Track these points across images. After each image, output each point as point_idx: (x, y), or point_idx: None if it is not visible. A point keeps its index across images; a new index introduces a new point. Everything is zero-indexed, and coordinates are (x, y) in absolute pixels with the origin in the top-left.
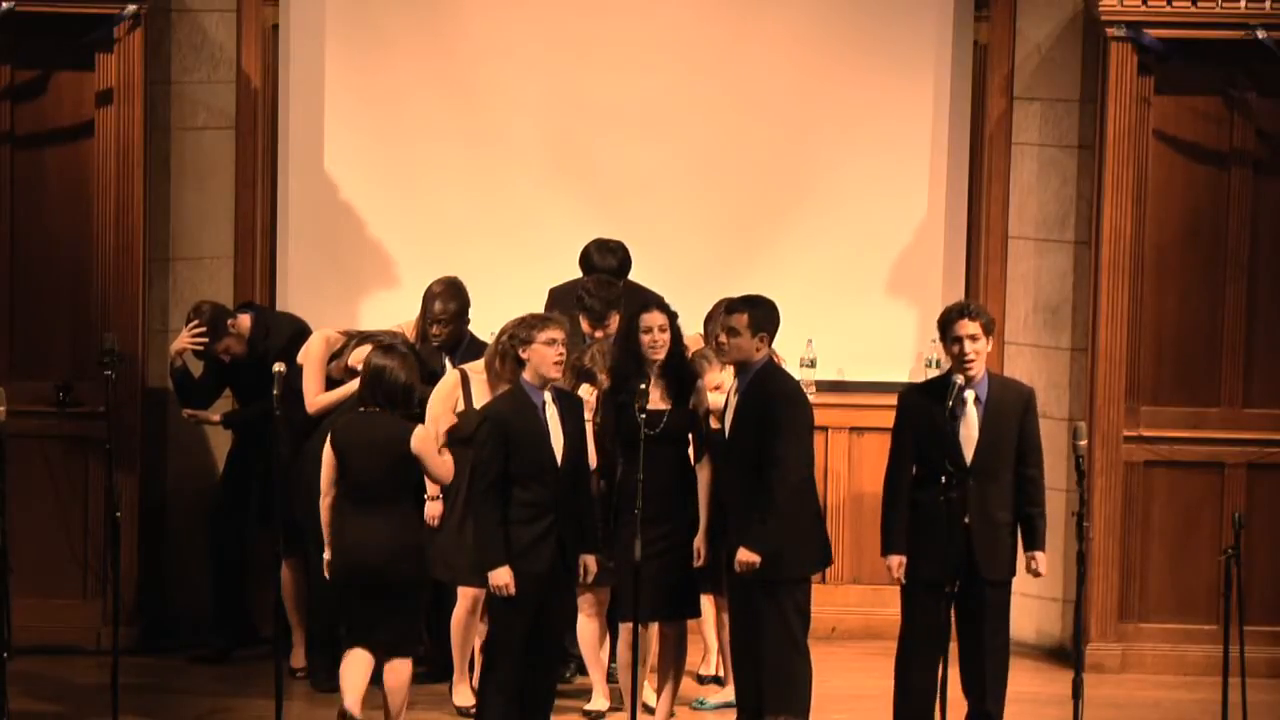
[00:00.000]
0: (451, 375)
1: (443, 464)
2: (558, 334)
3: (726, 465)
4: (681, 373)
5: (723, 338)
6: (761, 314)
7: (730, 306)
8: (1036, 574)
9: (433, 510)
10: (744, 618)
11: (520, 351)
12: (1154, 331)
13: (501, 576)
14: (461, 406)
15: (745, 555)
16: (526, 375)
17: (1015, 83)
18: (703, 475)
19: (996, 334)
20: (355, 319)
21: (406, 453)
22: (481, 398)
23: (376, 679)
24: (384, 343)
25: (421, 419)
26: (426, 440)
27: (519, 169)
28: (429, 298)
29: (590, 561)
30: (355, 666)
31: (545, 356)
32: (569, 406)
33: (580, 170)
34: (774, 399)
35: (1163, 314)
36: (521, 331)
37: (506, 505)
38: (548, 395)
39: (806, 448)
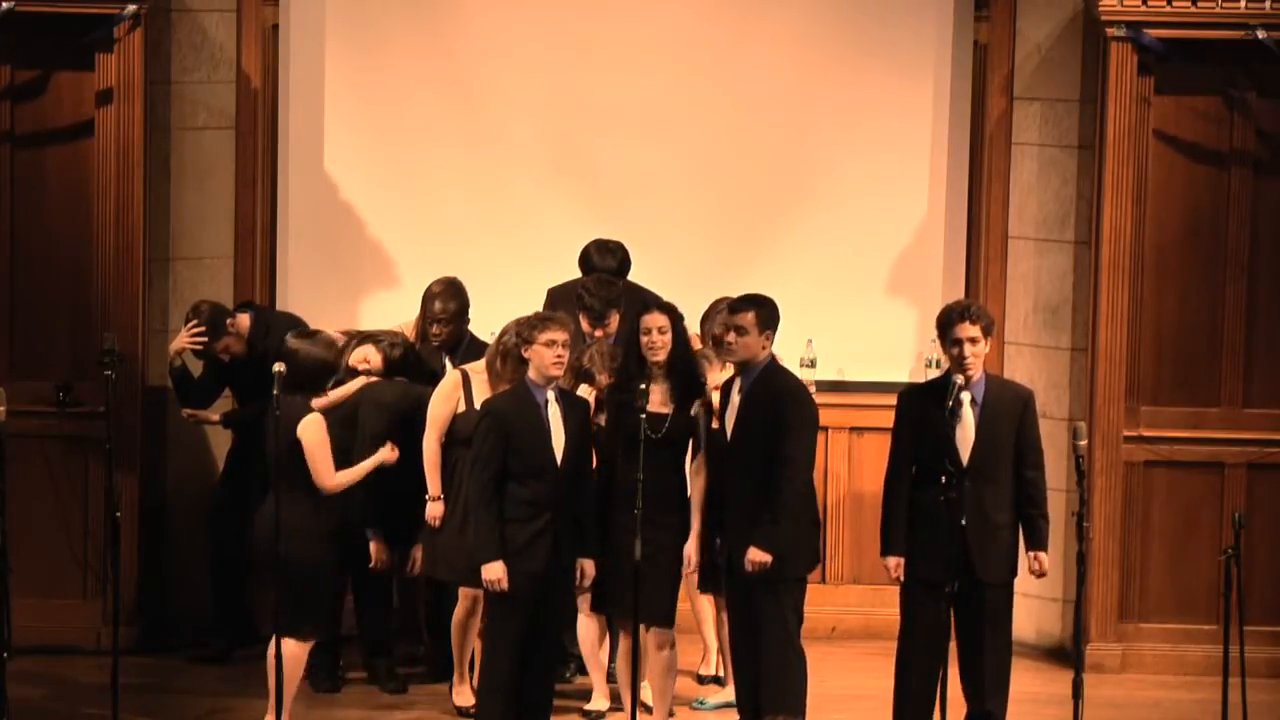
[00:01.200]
0: (453, 375)
1: (324, 464)
2: (559, 335)
3: (728, 464)
4: (687, 375)
5: (730, 336)
6: (767, 312)
7: (735, 305)
8: (1040, 574)
9: (434, 511)
10: (744, 618)
11: (523, 351)
12: (1154, 331)
13: (494, 571)
14: (463, 407)
15: (757, 555)
16: (530, 374)
17: (1015, 83)
18: (695, 481)
19: (996, 334)
20: (355, 319)
21: (295, 438)
22: (483, 398)
23: (375, 679)
24: (302, 330)
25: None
26: (313, 430)
27: (519, 169)
28: (429, 297)
29: (588, 566)
30: (277, 662)
31: (544, 357)
32: (573, 407)
33: (580, 170)
34: (782, 398)
35: (1163, 314)
36: (524, 331)
37: (504, 502)
38: (551, 394)
39: (813, 448)
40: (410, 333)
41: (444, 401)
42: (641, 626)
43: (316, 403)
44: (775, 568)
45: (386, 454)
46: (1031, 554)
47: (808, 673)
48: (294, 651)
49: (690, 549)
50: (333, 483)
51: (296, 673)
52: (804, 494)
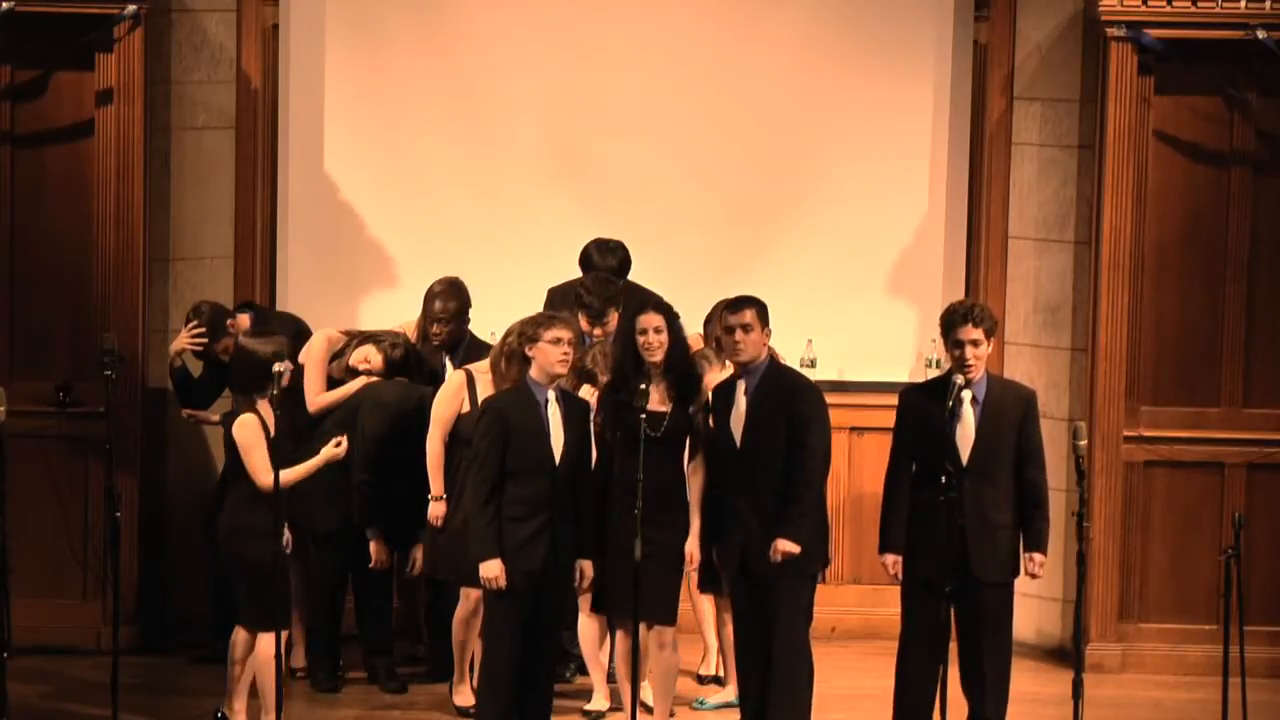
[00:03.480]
0: (458, 376)
1: (258, 463)
2: (564, 333)
3: (741, 466)
4: (683, 374)
5: (737, 335)
6: (763, 309)
7: (733, 305)
8: (1034, 576)
9: (436, 510)
10: (751, 619)
11: (527, 349)
12: (1154, 331)
13: (491, 569)
14: (468, 408)
15: (786, 545)
16: (533, 373)
17: (1015, 83)
18: (694, 480)
19: (997, 334)
20: (355, 319)
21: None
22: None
23: (375, 679)
24: (257, 329)
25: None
26: (244, 431)
27: (519, 169)
28: (429, 297)
29: (586, 568)
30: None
31: (550, 355)
32: (574, 408)
33: (580, 170)
34: (795, 392)
35: (1163, 314)
36: (529, 330)
37: (502, 500)
38: (551, 394)
39: (829, 440)
40: (411, 333)
41: (449, 401)
42: (642, 626)
43: (316, 402)
44: (797, 560)
45: (333, 450)
46: (1028, 555)
47: (813, 673)
48: (267, 649)
49: (692, 546)
50: (267, 480)
51: (268, 669)
52: (820, 489)
